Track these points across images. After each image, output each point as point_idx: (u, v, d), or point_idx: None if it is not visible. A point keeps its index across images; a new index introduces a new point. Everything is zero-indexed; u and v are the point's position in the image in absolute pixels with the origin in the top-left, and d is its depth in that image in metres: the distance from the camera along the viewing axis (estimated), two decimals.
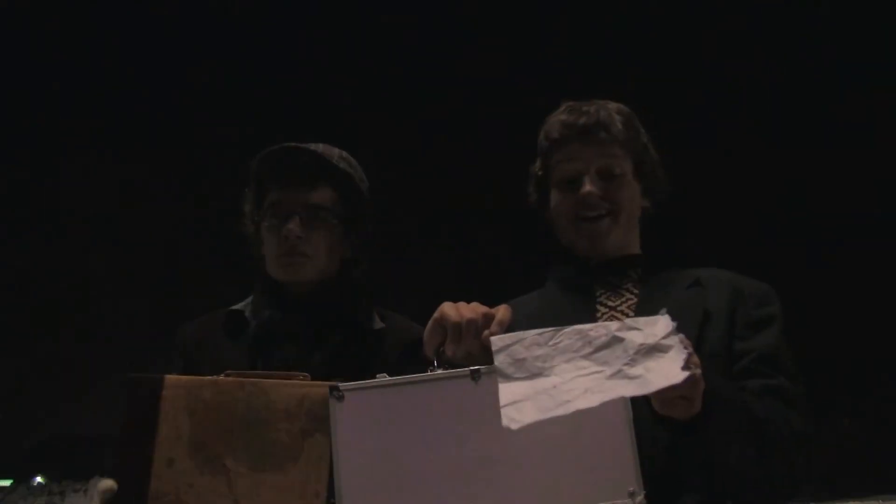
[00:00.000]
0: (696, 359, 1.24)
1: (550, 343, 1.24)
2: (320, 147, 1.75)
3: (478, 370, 1.26)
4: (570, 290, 1.67)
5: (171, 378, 1.37)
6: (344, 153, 1.78)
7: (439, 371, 1.31)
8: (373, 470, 1.24)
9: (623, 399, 1.21)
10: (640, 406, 1.25)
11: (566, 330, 1.24)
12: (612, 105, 1.71)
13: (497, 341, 1.26)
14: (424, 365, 1.37)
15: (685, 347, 1.20)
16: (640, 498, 1.18)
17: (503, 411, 1.18)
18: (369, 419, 1.26)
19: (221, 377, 1.39)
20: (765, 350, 1.53)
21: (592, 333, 1.23)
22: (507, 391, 1.20)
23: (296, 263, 1.70)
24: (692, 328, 1.48)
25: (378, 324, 1.76)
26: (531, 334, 1.25)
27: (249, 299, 1.80)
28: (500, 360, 1.24)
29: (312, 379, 1.44)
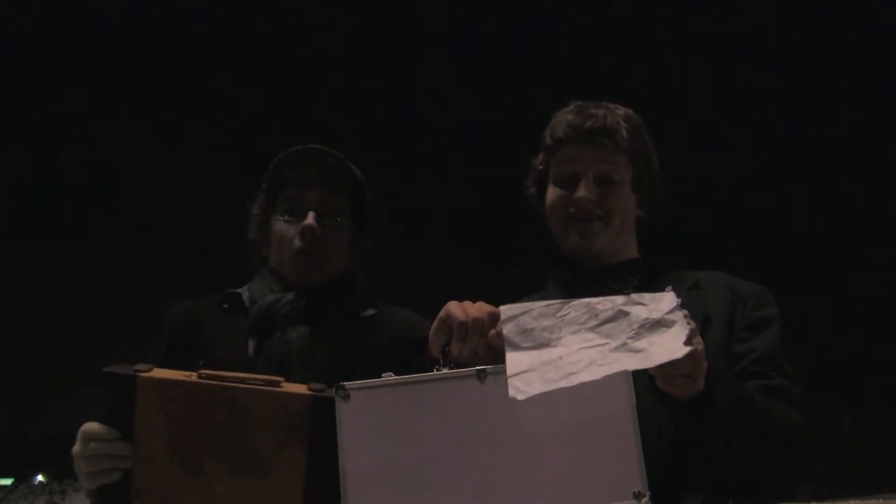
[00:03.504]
0: (699, 337, 1.25)
1: (558, 315, 1.26)
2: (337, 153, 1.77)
3: (483, 370, 1.26)
4: (571, 294, 1.68)
5: (142, 377, 1.34)
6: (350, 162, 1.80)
7: (445, 370, 1.31)
8: (378, 468, 1.24)
9: (629, 401, 1.22)
10: (644, 403, 1.25)
11: (574, 303, 1.27)
12: (622, 111, 1.69)
13: (506, 310, 1.29)
14: (416, 348, 1.36)
15: (688, 323, 1.21)
16: (645, 499, 1.18)
17: (510, 381, 1.20)
18: (374, 418, 1.26)
19: (195, 378, 1.36)
20: (763, 352, 1.53)
21: (599, 307, 1.25)
22: (514, 361, 1.23)
23: (305, 262, 1.71)
24: None
25: (368, 312, 1.78)
26: (539, 305, 1.28)
27: (247, 286, 1.80)
28: (508, 329, 1.26)
29: (308, 367, 1.46)
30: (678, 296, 1.25)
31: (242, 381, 1.36)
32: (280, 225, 1.74)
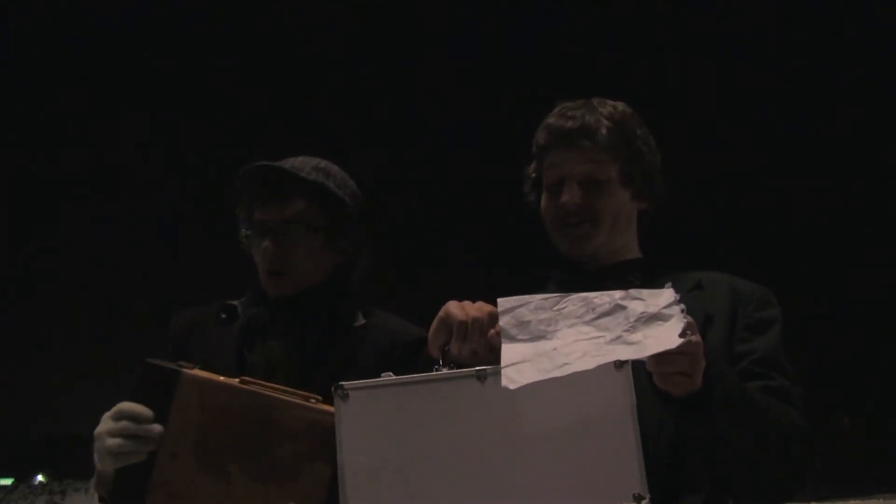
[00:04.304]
0: (697, 334, 1.25)
1: (555, 308, 1.27)
2: (289, 162, 1.78)
3: (483, 370, 1.26)
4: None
5: (187, 373, 1.37)
6: (322, 164, 1.80)
7: (444, 370, 1.31)
8: (377, 469, 1.24)
9: (629, 401, 1.21)
10: (644, 403, 1.25)
11: (571, 296, 1.28)
12: (606, 107, 1.68)
13: (503, 303, 1.29)
14: (416, 348, 1.36)
15: (685, 318, 1.21)
16: (645, 501, 1.18)
17: (503, 372, 1.21)
18: (373, 418, 1.26)
19: (237, 382, 1.40)
20: (764, 352, 1.53)
21: (596, 301, 1.26)
22: (509, 352, 1.23)
23: (274, 280, 1.76)
24: None
25: (359, 321, 1.79)
26: (537, 298, 1.28)
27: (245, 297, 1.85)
28: (504, 321, 1.27)
29: (296, 378, 1.49)
30: (677, 292, 1.25)
31: (281, 392, 1.40)
32: (253, 248, 1.80)
